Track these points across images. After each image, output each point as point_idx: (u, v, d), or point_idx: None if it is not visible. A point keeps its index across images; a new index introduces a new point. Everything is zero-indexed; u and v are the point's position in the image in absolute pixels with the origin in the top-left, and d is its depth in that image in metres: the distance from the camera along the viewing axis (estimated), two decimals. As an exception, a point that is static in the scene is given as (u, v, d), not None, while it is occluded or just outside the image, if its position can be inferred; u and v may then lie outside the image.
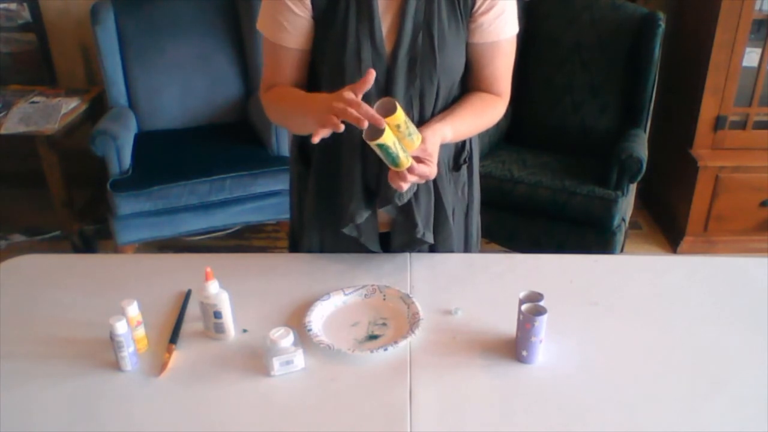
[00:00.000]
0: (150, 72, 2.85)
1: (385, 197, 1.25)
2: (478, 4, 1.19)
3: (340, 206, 1.28)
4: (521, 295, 1.10)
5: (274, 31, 1.21)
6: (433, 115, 1.24)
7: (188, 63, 2.87)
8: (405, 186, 1.12)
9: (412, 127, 1.10)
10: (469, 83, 1.30)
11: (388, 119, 1.05)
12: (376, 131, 1.04)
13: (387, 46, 1.18)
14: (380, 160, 1.20)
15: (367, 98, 1.18)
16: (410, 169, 1.10)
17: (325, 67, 1.22)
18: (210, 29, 2.89)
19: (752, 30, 2.60)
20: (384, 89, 1.20)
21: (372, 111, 1.02)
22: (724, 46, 2.61)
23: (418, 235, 1.28)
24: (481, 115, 1.28)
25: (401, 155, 1.08)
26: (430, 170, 1.12)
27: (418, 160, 1.11)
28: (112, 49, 2.78)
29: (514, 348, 1.11)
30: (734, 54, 2.62)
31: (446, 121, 1.20)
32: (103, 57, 2.77)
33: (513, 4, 1.23)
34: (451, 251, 1.39)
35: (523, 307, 1.08)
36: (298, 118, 1.20)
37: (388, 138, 1.05)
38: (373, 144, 1.05)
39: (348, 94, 1.03)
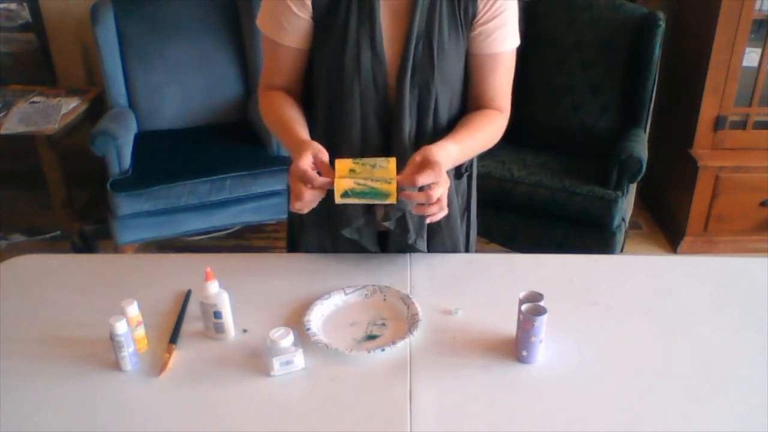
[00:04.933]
0: (150, 72, 2.85)
1: (387, 208, 1.25)
2: (480, 14, 1.18)
3: (337, 209, 1.28)
4: (521, 295, 1.10)
5: (273, 30, 1.21)
6: (432, 127, 1.24)
7: (188, 63, 2.87)
8: (439, 213, 1.09)
9: (372, 159, 1.10)
10: (470, 98, 1.28)
11: (336, 174, 1.08)
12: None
13: (388, 54, 1.18)
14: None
15: (367, 111, 1.20)
16: (414, 182, 1.06)
17: (323, 68, 1.22)
18: (210, 29, 2.89)
19: (752, 30, 2.60)
20: (385, 99, 1.20)
21: (320, 179, 1.07)
22: (724, 46, 2.61)
23: (410, 242, 1.29)
24: (485, 131, 1.25)
25: (377, 185, 1.07)
26: (435, 174, 1.07)
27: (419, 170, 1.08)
28: (112, 49, 2.78)
29: (514, 348, 1.11)
30: (734, 54, 2.62)
31: (451, 138, 1.17)
32: (103, 57, 2.77)
33: (515, 17, 1.22)
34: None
35: (523, 307, 1.08)
36: (280, 141, 1.23)
37: (343, 185, 1.07)
38: (339, 201, 1.08)
39: (303, 165, 1.08)
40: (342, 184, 1.07)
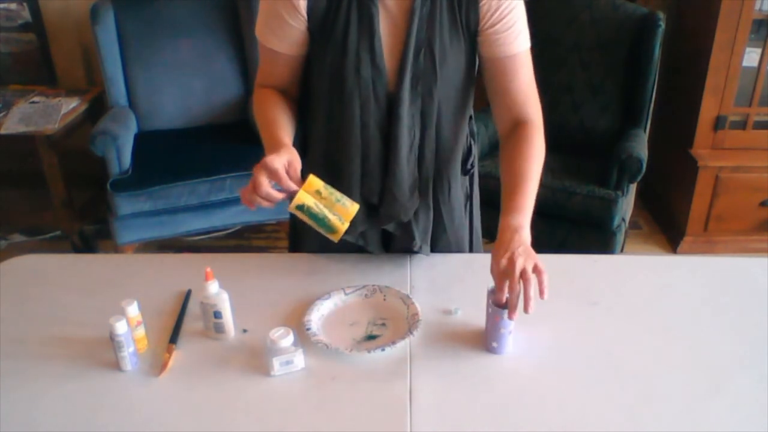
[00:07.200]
0: (150, 72, 2.85)
1: (388, 215, 1.25)
2: (483, 18, 1.16)
3: None
4: (489, 287, 1.10)
5: (266, 37, 1.21)
6: (436, 134, 1.24)
7: (188, 63, 2.87)
8: (515, 316, 1.02)
9: (340, 194, 1.12)
10: (502, 110, 1.24)
11: (303, 186, 1.10)
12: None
13: (389, 64, 1.17)
14: (382, 176, 1.24)
15: (367, 121, 1.20)
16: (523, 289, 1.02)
17: (324, 77, 1.21)
18: (210, 29, 2.89)
19: (752, 30, 2.60)
20: (386, 108, 1.20)
21: (287, 181, 1.08)
22: (724, 46, 2.61)
23: (415, 249, 1.30)
24: (537, 170, 1.19)
25: (330, 216, 1.10)
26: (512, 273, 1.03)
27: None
28: (112, 49, 2.78)
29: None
30: (734, 54, 2.62)
31: (515, 210, 1.12)
32: (103, 57, 2.77)
33: (523, 18, 1.19)
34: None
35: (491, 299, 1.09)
36: (261, 137, 1.22)
37: (304, 198, 1.09)
38: (292, 209, 1.09)
39: (277, 163, 1.08)
40: (303, 197, 1.09)
